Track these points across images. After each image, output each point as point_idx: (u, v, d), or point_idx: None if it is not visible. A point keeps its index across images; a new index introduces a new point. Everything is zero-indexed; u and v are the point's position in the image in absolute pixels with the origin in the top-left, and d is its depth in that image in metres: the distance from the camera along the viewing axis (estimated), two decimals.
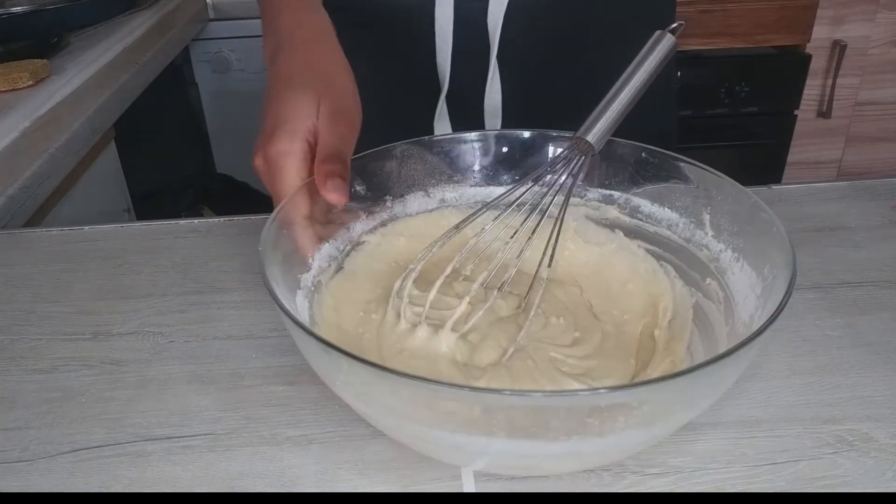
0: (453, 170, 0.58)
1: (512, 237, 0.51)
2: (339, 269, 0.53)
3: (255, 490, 0.43)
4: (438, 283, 0.49)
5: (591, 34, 0.73)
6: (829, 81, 1.70)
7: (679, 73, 1.63)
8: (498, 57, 0.71)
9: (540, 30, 0.71)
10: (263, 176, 0.51)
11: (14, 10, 1.29)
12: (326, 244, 0.53)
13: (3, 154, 0.84)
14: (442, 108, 0.73)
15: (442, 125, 0.74)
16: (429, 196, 0.58)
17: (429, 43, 0.72)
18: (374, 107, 0.80)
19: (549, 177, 0.52)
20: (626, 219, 0.56)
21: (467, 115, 0.74)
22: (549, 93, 0.75)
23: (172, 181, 1.63)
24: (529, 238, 0.50)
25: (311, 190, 0.49)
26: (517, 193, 0.52)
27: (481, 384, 0.44)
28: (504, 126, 0.73)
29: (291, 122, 0.50)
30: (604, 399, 0.35)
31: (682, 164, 0.53)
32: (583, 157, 0.51)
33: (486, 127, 0.74)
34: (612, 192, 0.57)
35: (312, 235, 0.50)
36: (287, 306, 0.40)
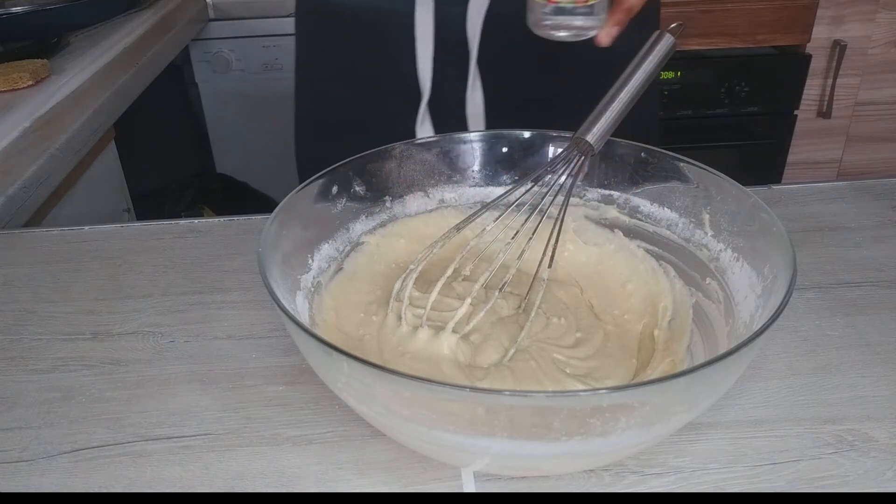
0: (452, 170, 0.58)
1: (512, 238, 0.51)
2: (339, 269, 0.53)
3: (255, 490, 0.43)
4: (440, 284, 0.49)
5: None
6: (829, 81, 1.70)
7: (679, 73, 1.63)
8: (479, 63, 0.70)
9: (520, 35, 0.71)
10: None
11: (14, 10, 1.29)
12: (326, 244, 0.53)
13: (3, 154, 0.84)
14: (424, 114, 0.73)
15: (425, 131, 0.74)
16: (428, 196, 0.58)
17: (409, 49, 0.71)
18: (355, 114, 0.79)
19: (548, 177, 0.52)
20: (626, 219, 0.56)
21: (449, 123, 0.73)
22: (532, 98, 0.74)
23: (172, 181, 1.63)
24: (529, 238, 0.50)
25: None
26: (517, 194, 0.52)
27: (484, 385, 0.44)
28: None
29: None
30: (605, 399, 0.36)
31: (681, 164, 0.53)
32: (582, 158, 0.51)
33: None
34: (612, 192, 0.57)
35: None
36: (287, 307, 0.40)
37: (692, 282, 0.51)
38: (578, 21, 0.50)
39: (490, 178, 0.59)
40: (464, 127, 0.73)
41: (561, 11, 0.49)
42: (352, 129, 0.78)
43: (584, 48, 0.70)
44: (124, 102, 1.16)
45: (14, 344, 0.55)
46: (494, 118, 0.73)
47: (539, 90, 0.74)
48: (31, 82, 1.02)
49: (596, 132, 0.49)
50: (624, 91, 0.49)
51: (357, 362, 0.35)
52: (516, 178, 0.58)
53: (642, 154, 0.54)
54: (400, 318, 0.48)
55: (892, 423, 0.46)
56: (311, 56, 0.82)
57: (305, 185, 0.51)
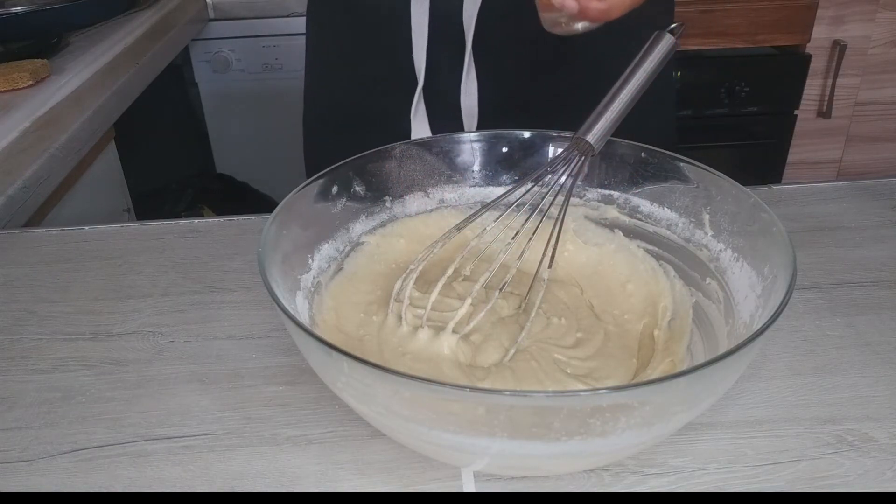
0: (452, 170, 0.58)
1: (512, 238, 0.51)
2: (339, 270, 0.53)
3: (255, 490, 0.43)
4: (440, 284, 0.49)
5: None
6: (829, 81, 1.70)
7: (678, 73, 1.63)
8: (474, 52, 0.70)
9: (516, 25, 0.70)
10: None
11: (14, 10, 1.29)
12: (326, 244, 0.53)
13: (3, 154, 0.84)
14: (419, 103, 0.73)
15: (419, 122, 0.74)
16: (428, 196, 0.58)
17: (405, 38, 0.71)
18: (357, 107, 0.79)
19: (548, 177, 0.52)
20: (626, 219, 0.56)
21: (444, 113, 0.73)
22: (528, 90, 0.74)
23: (172, 181, 1.63)
24: (530, 239, 0.50)
25: None
26: (517, 194, 0.52)
27: (485, 385, 0.44)
28: (480, 124, 0.73)
29: None
30: (605, 399, 0.36)
31: (681, 164, 0.53)
32: (582, 158, 0.51)
33: (465, 124, 0.73)
34: (612, 192, 0.57)
35: None
36: (287, 307, 0.40)
37: (692, 282, 0.51)
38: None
39: (490, 178, 0.59)
40: (459, 119, 0.73)
41: None
42: (355, 122, 0.79)
43: (584, 51, 0.69)
44: (124, 102, 1.16)
45: (14, 344, 0.55)
46: (490, 109, 0.73)
47: (537, 81, 0.74)
48: (31, 82, 1.02)
49: (596, 132, 0.49)
50: (624, 91, 0.49)
51: (357, 362, 0.35)
52: (516, 178, 0.58)
53: (642, 154, 0.54)
54: (400, 318, 0.48)
55: (892, 423, 0.46)
56: (317, 51, 0.83)
57: (305, 185, 0.51)
